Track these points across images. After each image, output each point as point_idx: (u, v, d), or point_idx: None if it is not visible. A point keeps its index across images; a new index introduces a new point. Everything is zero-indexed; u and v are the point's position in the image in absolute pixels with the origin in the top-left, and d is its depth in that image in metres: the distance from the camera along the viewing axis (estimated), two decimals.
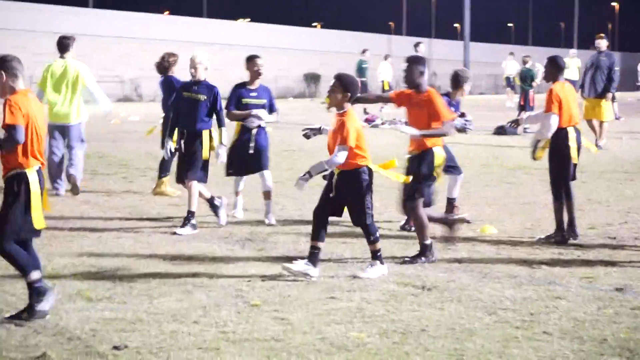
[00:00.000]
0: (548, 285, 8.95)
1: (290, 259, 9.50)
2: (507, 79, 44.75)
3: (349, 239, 11.25)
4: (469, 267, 9.80)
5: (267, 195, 12.37)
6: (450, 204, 12.56)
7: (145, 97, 59.77)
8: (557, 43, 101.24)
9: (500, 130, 27.69)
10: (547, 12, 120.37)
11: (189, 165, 11.84)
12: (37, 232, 7.76)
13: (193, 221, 11.64)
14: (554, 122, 10.92)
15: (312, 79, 76.97)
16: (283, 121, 11.84)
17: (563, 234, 11.10)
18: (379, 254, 9.36)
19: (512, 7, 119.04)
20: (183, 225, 11.60)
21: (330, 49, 79.75)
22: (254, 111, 12.14)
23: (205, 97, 11.91)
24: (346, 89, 9.28)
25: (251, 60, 12.44)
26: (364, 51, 38.42)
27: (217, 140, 12.03)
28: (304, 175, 9.25)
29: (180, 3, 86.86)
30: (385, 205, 13.37)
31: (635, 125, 30.83)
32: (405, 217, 11.76)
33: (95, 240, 11.04)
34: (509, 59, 44.67)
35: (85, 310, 7.86)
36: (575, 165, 11.17)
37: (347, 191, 9.31)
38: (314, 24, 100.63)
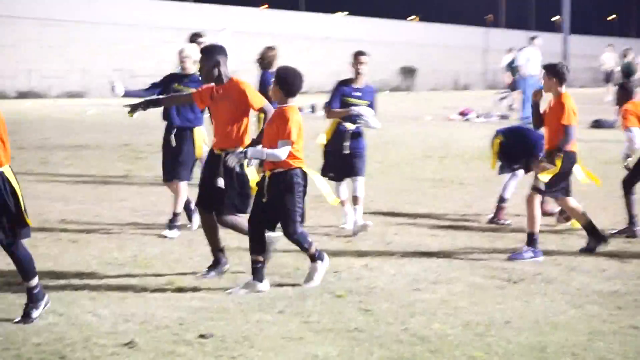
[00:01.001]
0: (637, 280, 8.84)
1: (376, 253, 9.54)
2: (606, 72, 43.64)
3: (436, 230, 11.26)
4: (557, 260, 9.73)
5: (355, 200, 11.27)
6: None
7: None
8: None
9: (596, 124, 27.35)
10: None
11: (180, 164, 11.15)
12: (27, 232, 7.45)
13: (178, 223, 11.08)
14: (634, 137, 11.23)
15: (409, 72, 76.77)
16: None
17: (634, 229, 11.00)
18: (317, 254, 8.64)
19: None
20: (171, 228, 11.00)
21: (427, 42, 79.42)
22: (360, 109, 11.17)
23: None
24: (279, 83, 8.52)
25: (355, 56, 11.57)
26: (510, 50, 37.76)
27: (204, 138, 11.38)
28: (240, 152, 8.46)
29: None
30: (474, 199, 13.34)
31: None
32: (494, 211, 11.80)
33: (184, 233, 11.21)
34: (607, 51, 43.54)
35: (173, 300, 8.03)
36: None
37: (277, 195, 8.43)
38: (410, 17, 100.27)
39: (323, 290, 8.36)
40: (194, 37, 12.56)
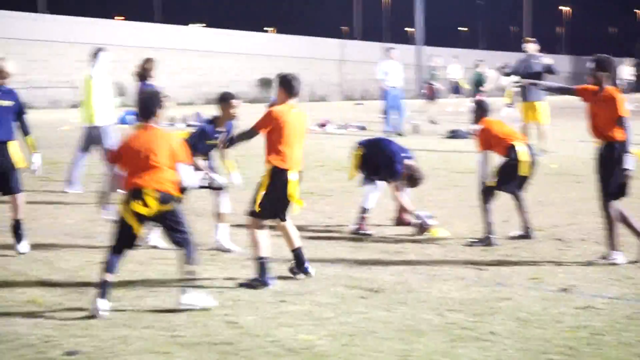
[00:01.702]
0: (494, 287, 9.12)
1: (240, 266, 9.59)
2: (451, 83, 43.85)
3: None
4: (417, 269, 9.95)
5: (220, 216, 11.05)
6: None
7: None
8: (508, 47, 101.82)
9: (453, 134, 28.00)
10: (497, 16, 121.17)
11: (11, 178, 10.71)
12: None
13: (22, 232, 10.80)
14: (480, 162, 11.71)
15: (266, 83, 76.99)
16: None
17: (490, 237, 11.33)
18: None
19: (464, 12, 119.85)
20: (19, 241, 10.75)
21: (284, 53, 79.81)
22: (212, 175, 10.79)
23: (12, 103, 10.69)
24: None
25: (226, 100, 10.90)
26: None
27: (29, 148, 11.08)
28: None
29: (133, 8, 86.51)
30: (335, 210, 13.51)
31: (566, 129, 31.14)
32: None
33: (48, 248, 11.05)
34: (453, 63, 43.84)
35: (37, 316, 7.92)
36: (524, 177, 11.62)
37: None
38: (267, 29, 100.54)
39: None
40: None
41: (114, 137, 14.67)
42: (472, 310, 8.22)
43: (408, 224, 12.52)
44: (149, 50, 67.98)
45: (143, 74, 14.17)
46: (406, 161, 12.24)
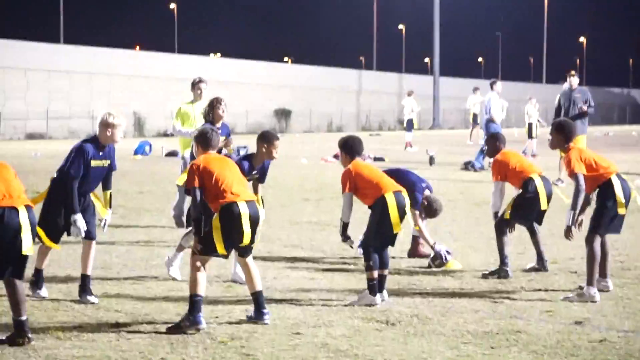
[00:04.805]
0: (509, 319, 9.14)
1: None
2: (474, 115, 44.01)
3: (314, 273, 11.44)
4: (433, 302, 9.98)
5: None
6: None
7: None
8: (527, 77, 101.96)
9: (467, 166, 28.04)
10: (516, 47, 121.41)
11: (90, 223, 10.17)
12: None
13: None
14: (495, 191, 11.74)
15: (283, 114, 77.26)
16: None
17: (505, 269, 11.35)
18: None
19: (482, 42, 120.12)
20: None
21: (301, 84, 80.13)
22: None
23: (108, 162, 10.23)
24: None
25: (269, 140, 10.65)
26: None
27: (104, 203, 10.60)
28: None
29: (151, 39, 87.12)
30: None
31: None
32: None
33: (62, 278, 11.13)
34: (474, 94, 43.80)
35: (53, 348, 7.97)
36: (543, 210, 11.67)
37: None
38: (285, 60, 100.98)
39: (205, 336, 8.42)
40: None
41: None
42: (487, 343, 8.24)
43: (422, 255, 12.56)
44: (169, 80, 68.46)
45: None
46: (425, 192, 12.32)
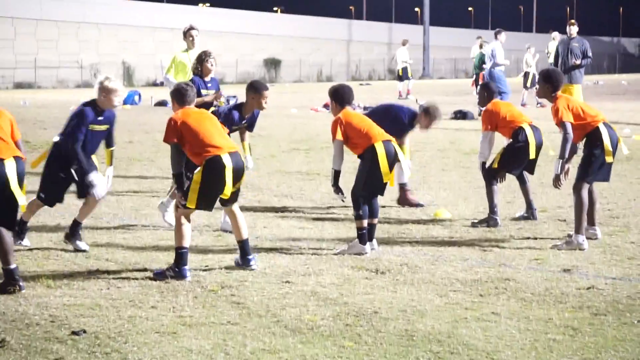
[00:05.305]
0: (498, 267, 9.19)
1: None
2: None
3: (304, 222, 11.47)
4: (422, 250, 10.03)
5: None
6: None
7: None
8: (517, 27, 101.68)
9: (458, 115, 28.03)
10: None
11: None
12: None
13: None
14: (483, 141, 11.61)
15: (273, 64, 76.97)
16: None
17: (495, 218, 11.38)
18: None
19: None
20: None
21: (291, 34, 79.74)
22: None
23: (107, 127, 10.13)
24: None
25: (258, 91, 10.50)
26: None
27: (106, 159, 10.64)
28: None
29: None
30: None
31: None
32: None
33: (52, 227, 11.14)
34: (476, 44, 43.44)
35: (44, 297, 8.00)
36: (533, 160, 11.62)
37: None
38: (274, 9, 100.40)
39: (195, 284, 8.45)
40: None
41: None
42: (475, 290, 8.29)
43: (412, 204, 12.59)
44: (158, 30, 68.08)
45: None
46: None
